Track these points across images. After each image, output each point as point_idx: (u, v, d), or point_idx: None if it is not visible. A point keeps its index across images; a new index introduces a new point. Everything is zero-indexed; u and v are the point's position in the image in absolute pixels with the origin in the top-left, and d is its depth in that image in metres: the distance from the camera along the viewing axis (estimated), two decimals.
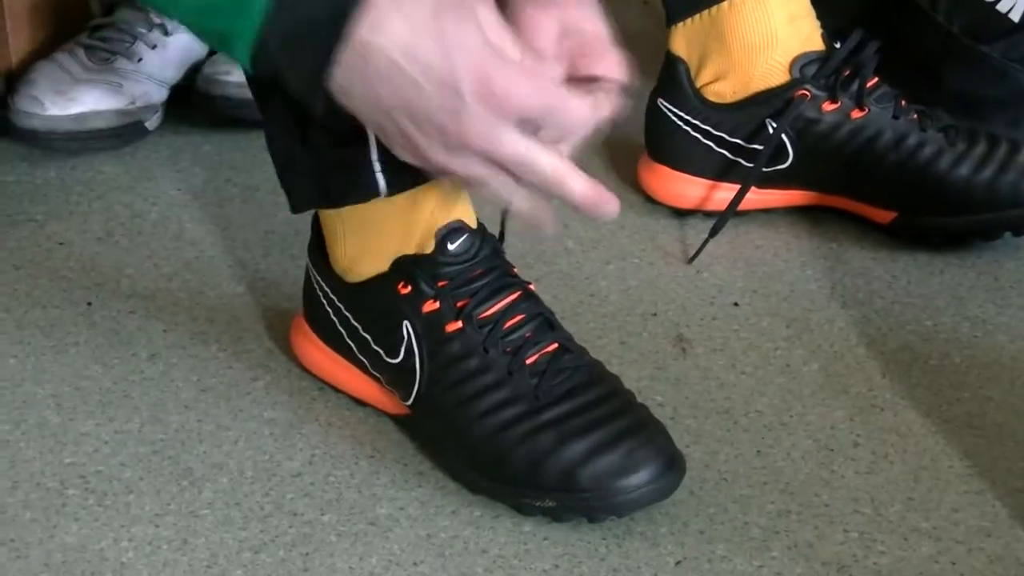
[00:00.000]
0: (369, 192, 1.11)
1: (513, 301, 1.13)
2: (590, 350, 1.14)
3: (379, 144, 1.08)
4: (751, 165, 1.37)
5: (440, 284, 1.12)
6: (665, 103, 1.40)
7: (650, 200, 1.43)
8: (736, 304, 1.31)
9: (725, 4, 1.35)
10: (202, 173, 1.48)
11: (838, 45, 1.37)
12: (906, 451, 1.16)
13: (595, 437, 1.07)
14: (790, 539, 1.08)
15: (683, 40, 1.39)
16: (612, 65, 1.02)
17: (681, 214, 1.41)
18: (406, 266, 1.12)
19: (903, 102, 1.37)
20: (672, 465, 1.08)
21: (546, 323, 1.14)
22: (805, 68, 1.36)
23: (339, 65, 0.92)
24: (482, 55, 0.93)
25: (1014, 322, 1.29)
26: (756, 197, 1.38)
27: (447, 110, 0.92)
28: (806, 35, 1.37)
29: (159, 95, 1.55)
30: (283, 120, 1.13)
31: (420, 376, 1.12)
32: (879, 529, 1.08)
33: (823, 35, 1.38)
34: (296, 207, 1.15)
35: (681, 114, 1.39)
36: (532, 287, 1.15)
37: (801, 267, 1.36)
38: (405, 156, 0.98)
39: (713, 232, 1.36)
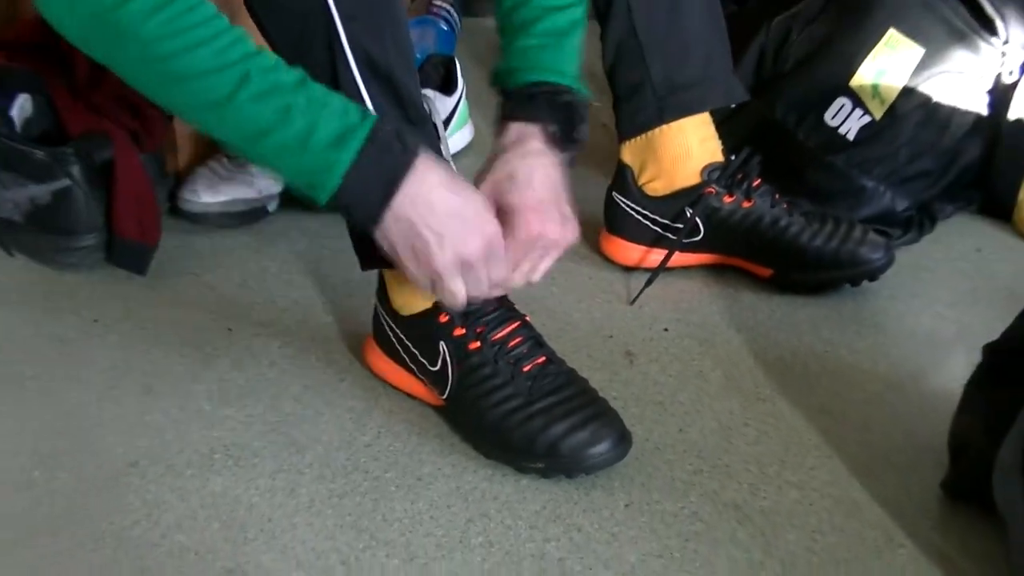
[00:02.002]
0: None
1: (514, 328, 1.12)
2: (567, 361, 1.13)
3: None
4: (675, 238, 1.36)
5: (465, 317, 1.11)
6: (617, 195, 1.39)
7: (607, 260, 1.42)
8: (666, 329, 1.31)
9: (657, 130, 1.34)
10: (305, 240, 1.47)
11: (733, 158, 1.36)
12: (779, 429, 1.16)
13: (571, 420, 1.07)
14: (702, 488, 1.07)
15: (629, 153, 1.38)
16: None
17: (628, 269, 1.41)
18: (443, 305, 1.11)
19: (777, 195, 1.36)
20: (623, 439, 1.08)
21: (537, 343, 1.13)
22: (711, 173, 1.35)
23: (379, 221, 0.98)
24: (485, 242, 1.00)
25: (851, 342, 1.29)
26: (678, 258, 1.37)
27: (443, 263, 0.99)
28: (712, 151, 1.36)
29: (276, 188, 1.53)
30: None
31: (451, 379, 1.11)
32: (762, 481, 1.08)
33: (723, 151, 1.37)
34: (364, 267, 1.14)
35: (628, 203, 1.38)
36: (528, 318, 1.14)
37: (709, 304, 1.35)
38: (406, 267, 1.01)
39: (649, 281, 1.35)
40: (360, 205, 0.97)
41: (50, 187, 1.35)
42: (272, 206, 1.51)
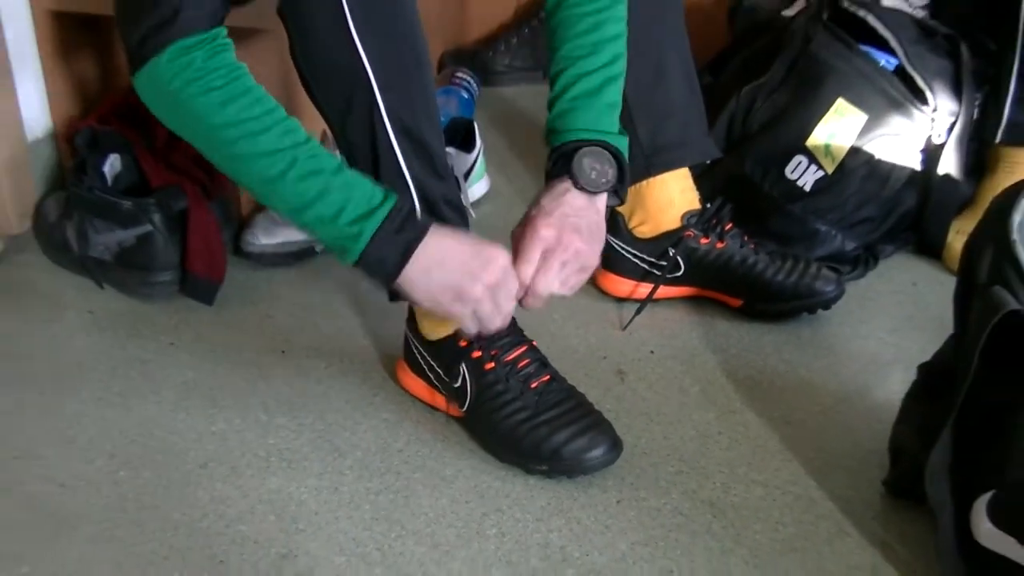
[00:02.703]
0: None
1: (523, 351, 1.12)
2: (568, 379, 1.13)
3: None
4: (659, 273, 1.36)
5: (481, 342, 1.11)
6: (611, 237, 1.37)
7: (602, 292, 1.41)
8: (652, 352, 1.30)
9: (644, 183, 1.34)
10: (346, 276, 1.45)
11: (708, 205, 1.36)
12: (748, 436, 1.16)
13: (571, 429, 1.07)
14: (682, 487, 1.08)
15: (637, 200, 1.37)
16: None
17: (620, 300, 1.39)
18: (463, 332, 1.10)
19: (745, 237, 1.36)
20: (615, 445, 1.08)
21: (542, 363, 1.12)
22: (690, 219, 1.34)
23: (396, 279, 1.00)
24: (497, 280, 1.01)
25: (808, 362, 1.28)
26: (663, 291, 1.37)
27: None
28: (690, 200, 1.36)
29: None
30: None
31: (470, 395, 1.11)
32: (732, 481, 1.09)
33: (700, 199, 1.37)
34: (391, 299, 1.13)
35: (620, 244, 1.38)
36: (535, 343, 1.14)
37: (689, 331, 1.34)
38: (427, 308, 1.04)
39: (638, 311, 1.35)
40: (378, 268, 0.99)
41: (135, 232, 1.35)
42: (319, 247, 1.51)
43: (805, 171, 1.45)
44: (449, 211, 1.10)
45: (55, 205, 1.44)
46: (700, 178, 1.39)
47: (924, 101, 1.45)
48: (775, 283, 1.33)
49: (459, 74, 1.94)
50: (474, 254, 1.00)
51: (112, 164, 1.42)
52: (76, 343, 1.31)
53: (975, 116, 1.48)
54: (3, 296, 1.39)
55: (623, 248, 1.38)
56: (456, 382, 1.12)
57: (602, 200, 1.09)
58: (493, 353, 1.11)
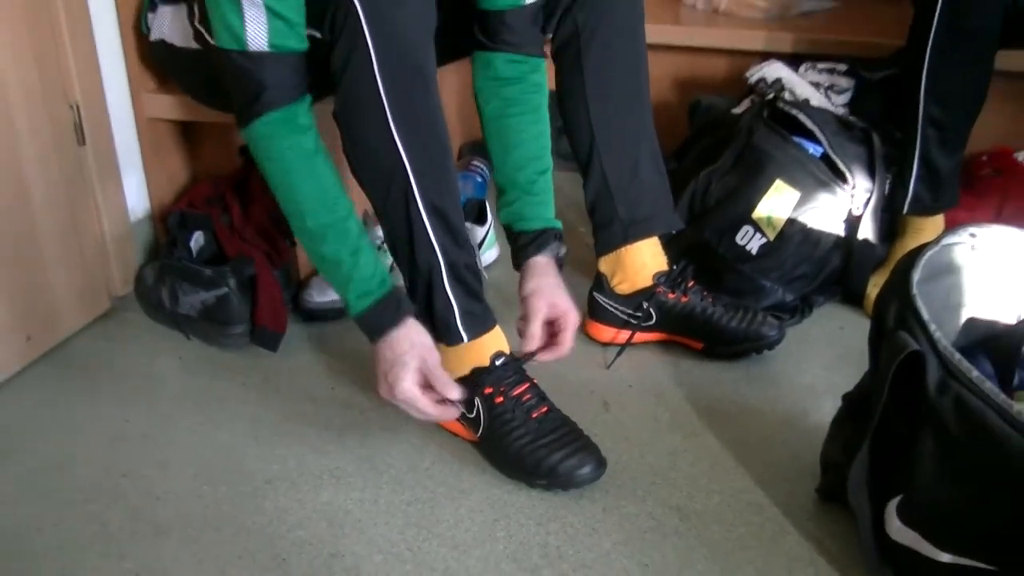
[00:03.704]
0: (455, 339, 1.11)
1: (527, 388, 1.12)
2: (562, 409, 1.13)
3: (461, 314, 1.10)
4: (636, 322, 1.35)
5: (492, 379, 1.11)
6: (596, 294, 1.38)
7: (590, 338, 1.40)
8: (630, 386, 1.30)
9: (623, 249, 1.34)
10: None
11: (675, 267, 1.36)
12: (709, 454, 1.15)
13: (565, 451, 1.07)
14: (656, 496, 1.07)
15: (605, 264, 1.37)
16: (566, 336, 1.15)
17: (604, 344, 1.39)
18: (478, 372, 1.11)
19: (705, 292, 1.36)
20: (601, 464, 1.08)
21: (541, 397, 1.12)
22: (660, 278, 1.34)
23: (376, 343, 1.05)
24: (412, 390, 1.04)
25: (758, 393, 1.28)
26: (639, 337, 1.36)
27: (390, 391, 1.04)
28: (660, 262, 1.36)
29: None
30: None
31: (483, 423, 1.11)
32: (696, 490, 1.08)
33: (668, 262, 1.37)
34: (451, 341, 1.13)
35: (604, 299, 1.38)
36: (535, 380, 1.14)
37: (661, 369, 1.34)
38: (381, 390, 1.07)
39: (619, 353, 1.35)
40: (367, 331, 1.05)
41: (215, 293, 1.35)
42: None
43: (752, 238, 1.44)
44: (468, 273, 1.10)
45: (152, 272, 1.45)
46: (668, 244, 1.38)
47: (845, 180, 1.45)
48: (729, 329, 1.32)
49: (475, 162, 1.94)
50: (408, 355, 1.04)
51: (197, 240, 1.43)
52: (168, 383, 1.31)
53: (886, 191, 1.48)
54: (111, 345, 1.40)
55: (606, 302, 1.38)
56: (471, 412, 1.11)
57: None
58: (502, 389, 1.10)
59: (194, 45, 1.25)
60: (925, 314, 0.88)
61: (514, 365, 1.13)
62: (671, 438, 1.19)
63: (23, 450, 1.16)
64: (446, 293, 1.08)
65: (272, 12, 0.98)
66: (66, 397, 1.27)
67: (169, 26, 1.31)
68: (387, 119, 0.99)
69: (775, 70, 1.63)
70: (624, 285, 1.36)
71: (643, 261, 1.35)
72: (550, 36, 1.29)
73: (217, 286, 1.35)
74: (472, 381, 1.11)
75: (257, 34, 0.98)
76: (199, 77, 1.30)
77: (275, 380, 1.32)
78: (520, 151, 1.18)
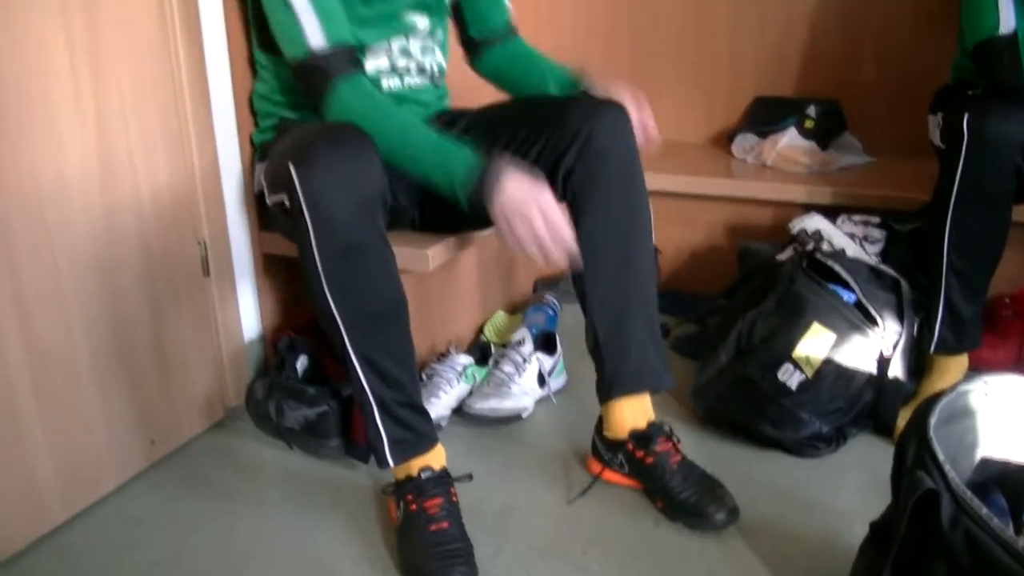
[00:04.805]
0: (383, 464, 1.20)
1: (440, 503, 1.19)
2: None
3: (389, 443, 1.18)
4: (613, 468, 1.38)
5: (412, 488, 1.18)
6: (595, 434, 1.41)
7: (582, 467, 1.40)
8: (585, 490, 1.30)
9: (607, 403, 1.35)
10: (461, 447, 1.46)
11: (655, 426, 1.35)
12: (747, 572, 1.17)
13: (443, 562, 1.14)
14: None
15: (605, 411, 1.37)
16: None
17: (594, 475, 1.38)
18: (402, 482, 1.20)
19: (675, 457, 1.33)
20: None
21: (451, 513, 1.19)
22: (632, 435, 1.35)
23: (489, 200, 1.10)
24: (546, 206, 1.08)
25: (799, 516, 1.28)
26: (616, 478, 1.39)
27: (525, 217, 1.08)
28: (639, 420, 1.36)
29: (446, 411, 1.54)
30: (367, 436, 1.20)
31: (400, 518, 1.20)
32: None
33: (651, 418, 1.36)
34: (381, 465, 1.21)
35: (595, 436, 1.41)
36: (456, 499, 1.21)
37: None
38: (501, 235, 1.11)
39: (583, 491, 1.37)
40: (487, 188, 1.10)
41: (316, 410, 1.39)
42: (444, 421, 1.52)
43: (792, 375, 1.44)
44: (399, 408, 1.18)
45: (261, 388, 1.47)
46: (717, 376, 1.43)
47: (876, 324, 1.47)
48: (679, 500, 1.30)
49: (547, 296, 1.96)
50: (534, 188, 1.09)
51: (302, 362, 1.48)
52: (271, 488, 1.36)
53: (914, 334, 1.50)
54: (223, 452, 1.46)
55: (596, 440, 1.41)
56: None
57: None
58: (419, 499, 1.18)
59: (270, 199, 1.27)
60: (940, 455, 0.91)
61: (439, 482, 1.19)
62: (711, 555, 1.20)
63: (145, 542, 1.23)
64: (376, 424, 1.17)
65: (318, 9, 1.14)
66: (184, 495, 1.33)
67: (258, 180, 1.40)
68: (323, 285, 1.09)
69: (815, 222, 1.67)
70: (608, 433, 1.38)
71: (622, 416, 1.34)
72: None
73: (318, 404, 1.39)
74: (397, 486, 1.20)
75: (314, 32, 1.14)
76: (282, 224, 1.36)
77: (363, 486, 1.36)
78: (536, 73, 1.41)
